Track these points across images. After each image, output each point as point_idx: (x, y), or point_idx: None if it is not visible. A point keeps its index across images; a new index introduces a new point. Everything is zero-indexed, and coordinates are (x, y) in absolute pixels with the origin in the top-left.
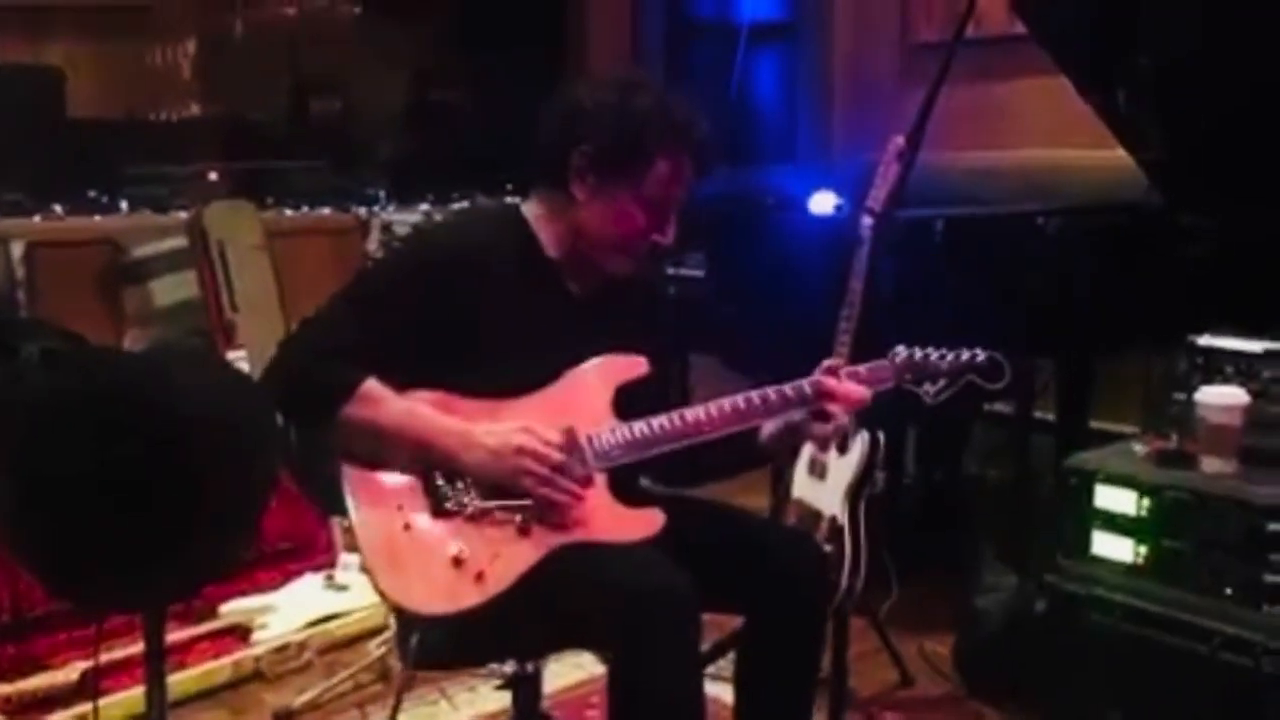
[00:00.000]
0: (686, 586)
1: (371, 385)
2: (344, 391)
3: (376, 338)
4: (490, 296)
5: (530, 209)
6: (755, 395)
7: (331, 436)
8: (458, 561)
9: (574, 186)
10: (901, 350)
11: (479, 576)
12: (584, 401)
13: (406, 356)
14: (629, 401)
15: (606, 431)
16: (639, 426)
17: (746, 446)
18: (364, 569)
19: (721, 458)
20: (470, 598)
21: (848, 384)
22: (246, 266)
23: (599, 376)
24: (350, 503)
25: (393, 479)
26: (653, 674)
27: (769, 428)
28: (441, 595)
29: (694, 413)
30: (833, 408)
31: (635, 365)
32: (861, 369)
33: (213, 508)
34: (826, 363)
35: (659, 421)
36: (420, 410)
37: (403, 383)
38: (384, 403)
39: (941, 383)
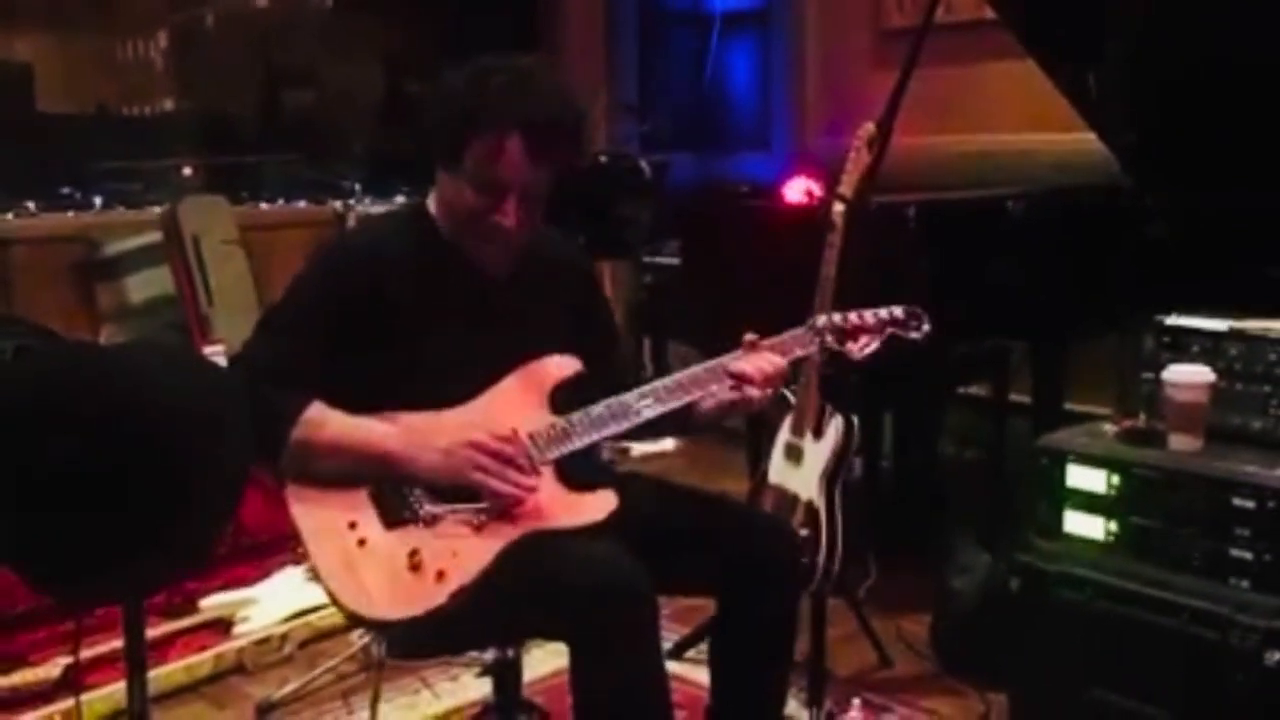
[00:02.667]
0: (641, 575)
1: (315, 407)
2: (289, 418)
3: (309, 357)
4: (402, 289)
5: (431, 202)
6: (681, 377)
7: (283, 464)
8: (416, 565)
9: (437, 174)
10: (821, 317)
11: (440, 575)
12: (520, 404)
13: (340, 372)
14: (573, 392)
15: (546, 428)
16: (577, 418)
17: (683, 418)
18: (325, 590)
19: (657, 428)
20: (434, 598)
21: (760, 358)
22: (221, 261)
23: (531, 380)
24: (301, 526)
25: (341, 497)
26: (612, 662)
27: (706, 403)
28: (405, 599)
29: (626, 401)
30: (749, 390)
31: (565, 366)
32: (785, 336)
33: (189, 499)
34: (747, 337)
35: (596, 411)
36: (366, 421)
37: (342, 404)
38: (329, 421)
39: (864, 339)
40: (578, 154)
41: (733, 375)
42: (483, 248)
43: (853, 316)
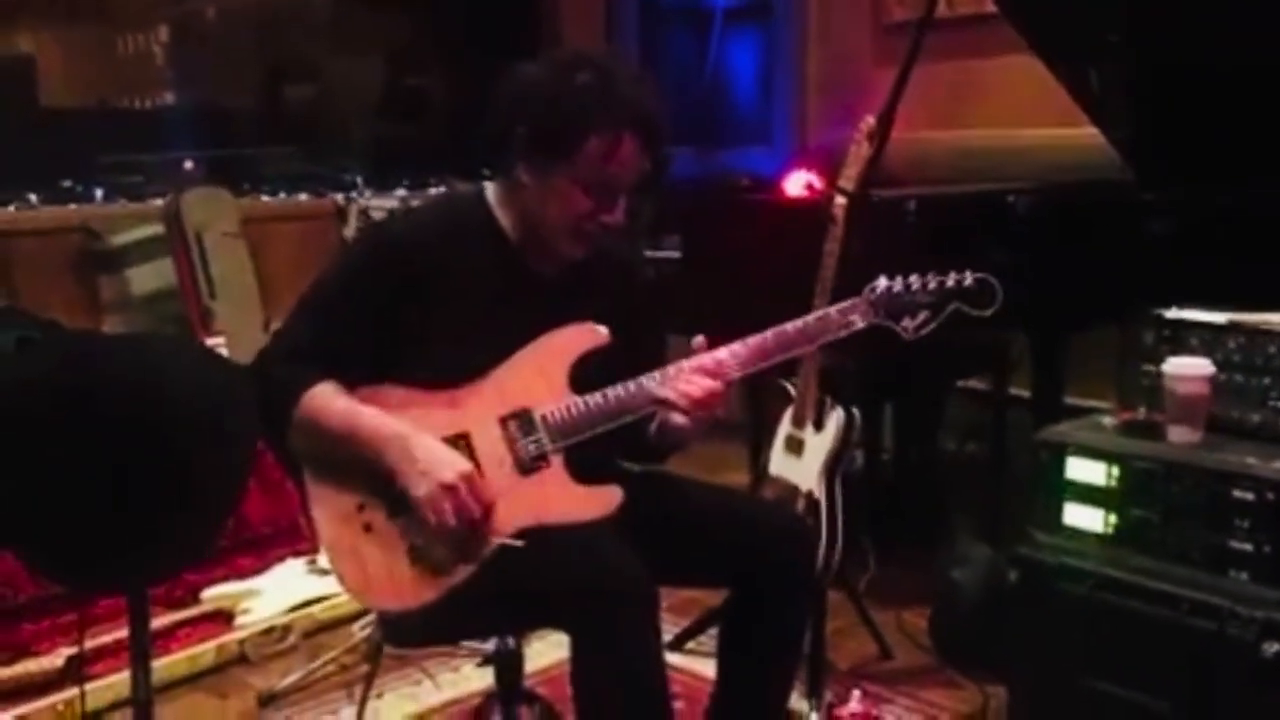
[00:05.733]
0: (640, 567)
1: (318, 389)
2: (290, 395)
3: (334, 337)
4: (450, 284)
5: (491, 193)
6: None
7: (290, 439)
8: (416, 558)
9: (519, 170)
10: (880, 282)
11: (437, 570)
12: (540, 378)
13: (370, 350)
14: (594, 378)
15: (561, 407)
16: (593, 399)
17: (640, 441)
18: (331, 568)
19: (627, 447)
20: (429, 593)
21: (685, 381)
22: (223, 253)
23: (556, 348)
24: (313, 505)
25: (353, 480)
26: (611, 653)
27: (653, 426)
28: (401, 592)
29: (630, 385)
30: (674, 417)
31: (593, 334)
32: (841, 306)
33: (193, 490)
34: (694, 341)
35: (613, 392)
36: (363, 415)
37: (370, 376)
38: (329, 407)
39: (922, 315)
40: (668, 150)
41: (656, 402)
42: (564, 246)
43: (914, 283)
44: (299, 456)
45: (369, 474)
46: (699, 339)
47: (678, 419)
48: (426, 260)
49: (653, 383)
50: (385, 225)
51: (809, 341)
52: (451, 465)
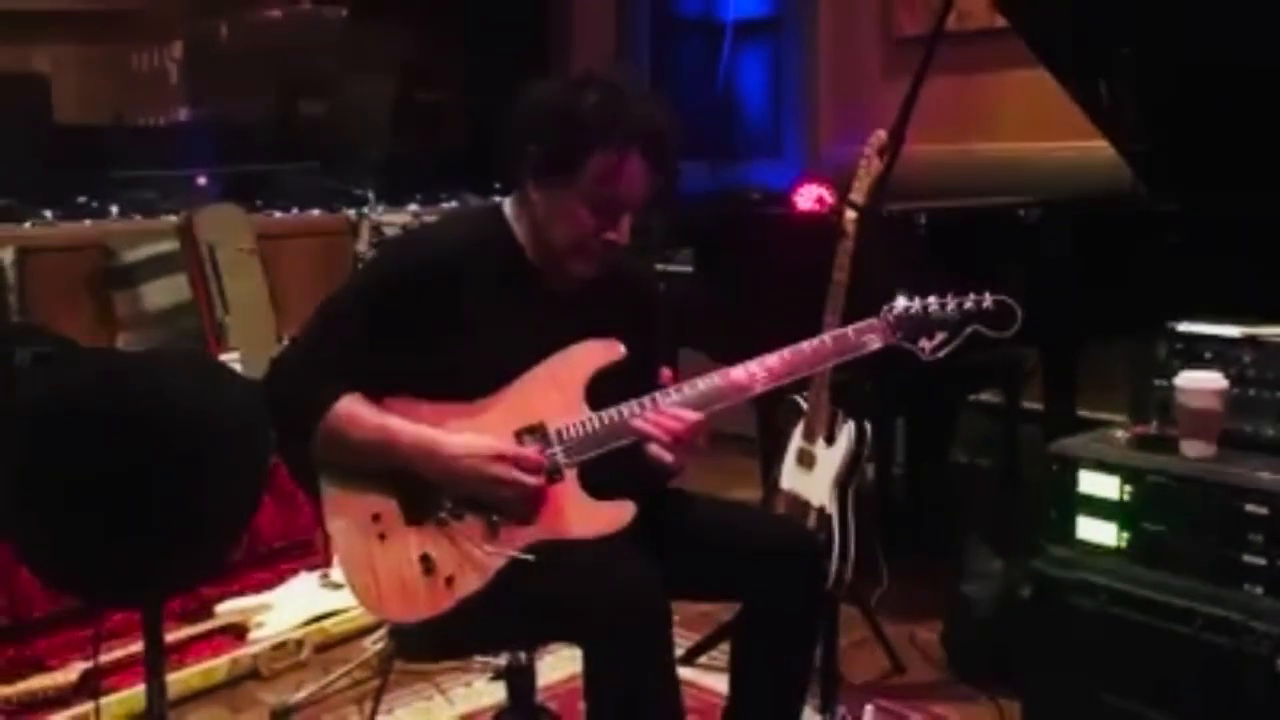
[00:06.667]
0: (654, 582)
1: (344, 403)
2: (319, 406)
3: (353, 349)
4: (468, 299)
5: (508, 209)
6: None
7: (312, 451)
8: (428, 569)
9: (529, 188)
10: (899, 303)
11: (449, 581)
12: (556, 392)
13: (386, 364)
14: (610, 394)
15: (575, 422)
16: (606, 415)
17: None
18: (344, 579)
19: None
20: (441, 604)
21: (664, 415)
22: (237, 269)
23: (573, 363)
24: (328, 515)
25: (368, 491)
26: (624, 669)
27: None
28: (413, 603)
29: (644, 402)
30: (653, 449)
31: (610, 349)
32: (858, 325)
33: (207, 504)
34: (663, 374)
35: (627, 408)
36: (392, 425)
37: (384, 389)
38: (357, 420)
39: (941, 336)
40: (678, 166)
41: (635, 433)
42: (571, 264)
43: (933, 304)
44: (318, 466)
45: (389, 483)
46: (666, 372)
47: (658, 451)
48: (445, 274)
49: (641, 410)
50: (405, 238)
51: (825, 362)
52: (487, 445)
